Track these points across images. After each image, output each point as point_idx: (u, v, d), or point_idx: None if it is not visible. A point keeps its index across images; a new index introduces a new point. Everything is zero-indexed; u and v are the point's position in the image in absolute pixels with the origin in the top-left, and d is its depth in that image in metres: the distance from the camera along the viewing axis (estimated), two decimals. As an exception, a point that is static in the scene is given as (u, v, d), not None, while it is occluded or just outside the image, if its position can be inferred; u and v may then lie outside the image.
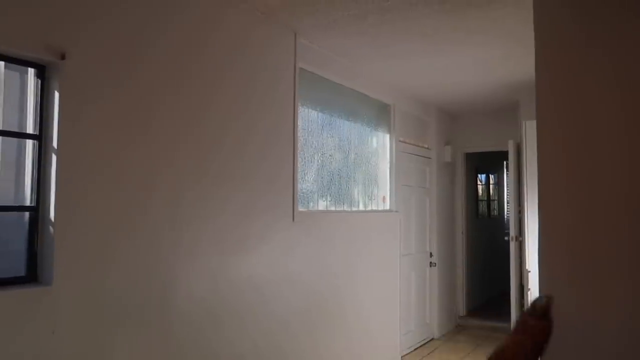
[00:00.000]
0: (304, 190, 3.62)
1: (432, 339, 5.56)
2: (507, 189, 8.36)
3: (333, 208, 3.98)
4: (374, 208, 4.60)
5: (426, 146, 5.70)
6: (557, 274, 2.34)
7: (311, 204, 3.73)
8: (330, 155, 3.99)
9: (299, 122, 3.50)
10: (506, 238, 5.43)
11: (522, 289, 5.12)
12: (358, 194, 4.38)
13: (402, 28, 3.38)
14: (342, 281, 3.88)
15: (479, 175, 7.87)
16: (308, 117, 3.75)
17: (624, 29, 2.18)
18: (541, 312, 0.30)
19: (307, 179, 3.70)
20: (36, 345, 1.92)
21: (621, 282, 2.15)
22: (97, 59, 2.17)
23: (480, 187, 7.96)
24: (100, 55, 2.18)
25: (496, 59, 4.06)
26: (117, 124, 2.25)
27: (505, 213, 8.68)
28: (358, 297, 4.09)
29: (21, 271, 2.00)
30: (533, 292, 4.23)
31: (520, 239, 5.18)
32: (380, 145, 4.79)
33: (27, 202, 2.04)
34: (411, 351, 5.06)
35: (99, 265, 2.15)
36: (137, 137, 2.34)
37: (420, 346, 5.27)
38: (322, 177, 3.89)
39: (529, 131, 4.41)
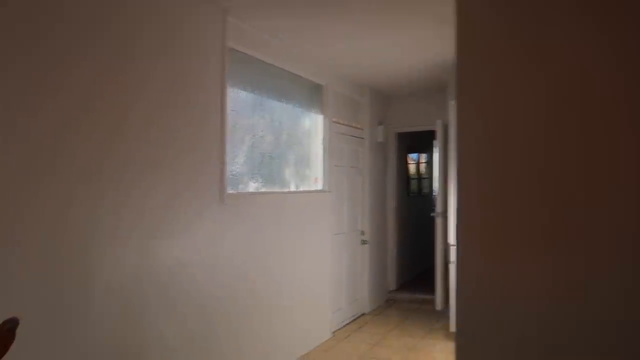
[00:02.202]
0: (234, 173, 3.59)
1: (363, 314, 5.76)
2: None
3: (264, 190, 3.98)
4: (306, 189, 4.64)
5: (359, 126, 5.79)
6: (472, 247, 2.49)
7: (241, 186, 3.70)
8: (261, 137, 3.97)
9: (229, 104, 3.45)
10: (432, 214, 5.67)
11: (447, 263, 5.39)
12: (290, 175, 4.40)
13: (332, 10, 3.38)
14: (274, 262, 3.92)
15: (411, 154, 8.11)
16: (238, 98, 3.69)
17: (546, 8, 2.29)
18: (9, 325, 0.33)
19: (238, 161, 3.67)
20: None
21: (534, 255, 2.32)
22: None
23: (412, 166, 8.21)
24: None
25: (427, 40, 4.13)
26: (50, 116, 2.11)
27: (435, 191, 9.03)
28: (289, 278, 4.15)
29: None
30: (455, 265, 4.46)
31: (447, 215, 5.43)
32: (313, 126, 4.81)
33: None
34: (342, 327, 5.22)
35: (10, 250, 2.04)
36: (69, 129, 2.21)
37: (352, 322, 5.45)
38: (252, 159, 3.87)
39: (454, 111, 4.59)
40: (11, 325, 0.33)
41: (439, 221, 5.48)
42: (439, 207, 5.49)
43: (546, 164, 2.35)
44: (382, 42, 4.17)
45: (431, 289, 6.05)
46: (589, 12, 2.27)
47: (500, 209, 2.44)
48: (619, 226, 2.21)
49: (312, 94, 4.74)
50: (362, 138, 5.84)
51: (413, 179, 8.21)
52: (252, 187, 3.86)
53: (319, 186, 4.87)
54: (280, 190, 4.21)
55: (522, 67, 2.38)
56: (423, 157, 8.76)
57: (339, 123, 5.21)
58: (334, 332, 4.97)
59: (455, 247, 4.00)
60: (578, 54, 2.25)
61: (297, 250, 4.27)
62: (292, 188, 4.41)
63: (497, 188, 2.47)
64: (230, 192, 3.45)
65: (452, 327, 4.55)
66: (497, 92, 2.45)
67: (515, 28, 2.42)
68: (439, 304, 5.52)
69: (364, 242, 5.81)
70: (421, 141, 8.12)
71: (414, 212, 7.68)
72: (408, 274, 7.35)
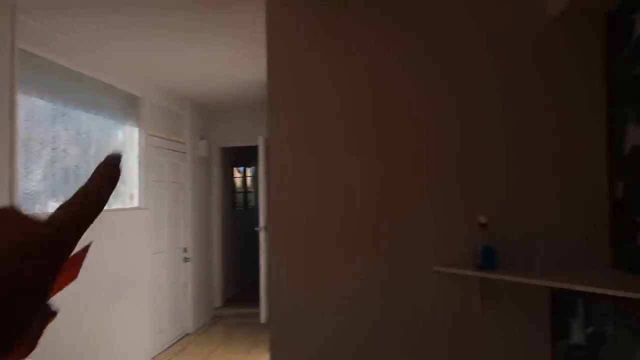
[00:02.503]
0: (29, 191, 3.17)
1: (187, 335, 5.55)
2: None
3: (68, 209, 3.58)
4: (120, 206, 4.32)
5: (181, 140, 5.61)
6: (282, 258, 2.58)
7: (38, 206, 3.28)
8: (64, 150, 3.57)
9: (21, 113, 3.04)
10: (256, 228, 5.74)
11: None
12: (100, 192, 4.04)
13: (145, 19, 3.22)
14: (81, 289, 3.53)
15: (238, 168, 8.14)
16: (35, 108, 3.28)
17: (347, 37, 2.49)
18: (111, 160, 0.32)
19: (34, 178, 3.25)
20: None
21: (341, 262, 2.48)
22: None
23: (238, 180, 8.24)
24: None
25: (247, 58, 4.19)
26: None
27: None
28: (101, 304, 3.79)
29: None
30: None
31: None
32: (128, 139, 4.51)
33: None
34: (164, 350, 4.95)
35: None
36: None
37: (175, 343, 5.20)
38: (53, 175, 3.46)
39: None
40: (113, 160, 0.30)
41: (262, 234, 5.56)
42: (262, 221, 5.58)
43: (352, 173, 2.56)
44: (202, 57, 4.11)
45: (256, 302, 6.10)
46: (384, 40, 2.54)
47: (309, 218, 2.58)
48: (415, 233, 2.50)
49: (127, 106, 4.45)
50: (184, 152, 5.66)
51: (239, 192, 8.24)
52: (53, 206, 3.45)
53: (135, 203, 4.57)
54: (88, 209, 3.83)
55: (328, 86, 2.56)
56: (250, 171, 8.85)
57: (157, 136, 4.98)
58: (154, 358, 4.69)
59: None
60: (377, 75, 2.50)
61: (110, 274, 3.93)
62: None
63: (306, 198, 2.61)
64: (23, 213, 3.03)
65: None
66: (306, 108, 2.59)
67: (323, 49, 2.59)
68: (263, 317, 5.58)
69: (186, 259, 5.61)
70: (248, 155, 8.20)
71: (240, 226, 7.70)
72: (234, 288, 7.32)
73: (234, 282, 7.28)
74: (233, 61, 4.33)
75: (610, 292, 1.69)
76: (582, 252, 2.32)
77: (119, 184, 0.32)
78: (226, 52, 4.04)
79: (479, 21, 2.41)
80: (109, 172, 0.32)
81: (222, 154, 6.76)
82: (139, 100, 4.61)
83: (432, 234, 2.43)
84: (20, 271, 0.27)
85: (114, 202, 4.23)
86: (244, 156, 8.08)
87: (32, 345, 0.31)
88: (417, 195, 2.45)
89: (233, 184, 7.80)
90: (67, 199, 0.31)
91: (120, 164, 0.32)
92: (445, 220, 2.42)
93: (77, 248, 0.34)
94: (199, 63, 4.32)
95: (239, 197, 8.23)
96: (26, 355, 0.30)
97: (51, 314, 0.33)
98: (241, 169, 8.41)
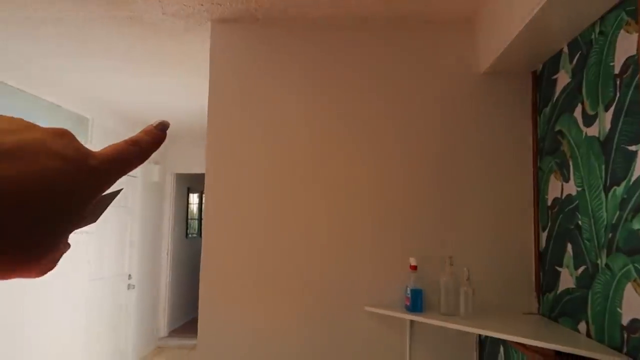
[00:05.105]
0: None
1: (125, 365, 5.33)
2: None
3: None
4: (60, 230, 4.17)
5: (132, 164, 5.50)
6: (213, 291, 2.53)
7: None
8: None
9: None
10: (206, 259, 5.63)
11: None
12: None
13: (91, 43, 3.19)
14: (7, 321, 3.36)
15: (193, 195, 8.02)
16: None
17: (288, 77, 2.53)
18: (162, 126, 0.35)
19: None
20: None
21: (265, 304, 2.46)
22: None
23: (194, 207, 8.11)
24: None
25: (199, 87, 4.17)
26: None
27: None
28: (27, 339, 3.60)
29: None
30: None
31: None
32: (74, 160, 4.40)
33: None
34: (97, 382, 4.73)
35: None
36: None
37: (109, 375, 4.98)
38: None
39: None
40: (162, 126, 0.33)
41: (210, 265, 5.46)
42: (211, 251, 5.48)
43: (287, 211, 2.55)
44: (156, 82, 4.08)
45: (201, 333, 5.93)
46: (324, 84, 2.59)
47: (241, 253, 2.55)
48: (349, 273, 2.50)
49: (74, 127, 4.35)
50: (135, 177, 5.56)
51: (193, 219, 8.10)
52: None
53: (77, 227, 4.42)
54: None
55: (267, 122, 2.57)
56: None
57: (107, 159, 4.87)
58: (83, 391, 4.46)
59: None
60: (318, 117, 2.54)
61: (39, 304, 3.76)
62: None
63: (239, 234, 2.58)
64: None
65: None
66: (244, 143, 2.59)
67: (264, 85, 2.61)
68: (206, 350, 5.42)
69: (130, 286, 5.43)
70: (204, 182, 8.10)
71: (192, 253, 7.54)
72: (182, 318, 7.11)
73: (182, 312, 7.08)
74: (184, 89, 4.31)
75: (521, 341, 1.72)
76: (512, 298, 2.37)
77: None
78: (177, 83, 4.03)
79: (414, 72, 2.49)
80: (158, 134, 0.34)
81: (177, 180, 6.66)
82: (87, 122, 4.53)
83: (367, 274, 2.44)
84: (66, 186, 0.28)
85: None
86: (201, 183, 7.98)
87: (52, 266, 0.31)
88: (353, 236, 2.46)
89: (187, 210, 7.67)
90: (115, 143, 0.32)
91: (166, 130, 0.35)
92: (381, 261, 2.44)
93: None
94: (152, 89, 4.28)
95: (194, 225, 8.08)
96: (45, 272, 0.30)
97: (68, 245, 0.32)
98: (195, 196, 8.29)
